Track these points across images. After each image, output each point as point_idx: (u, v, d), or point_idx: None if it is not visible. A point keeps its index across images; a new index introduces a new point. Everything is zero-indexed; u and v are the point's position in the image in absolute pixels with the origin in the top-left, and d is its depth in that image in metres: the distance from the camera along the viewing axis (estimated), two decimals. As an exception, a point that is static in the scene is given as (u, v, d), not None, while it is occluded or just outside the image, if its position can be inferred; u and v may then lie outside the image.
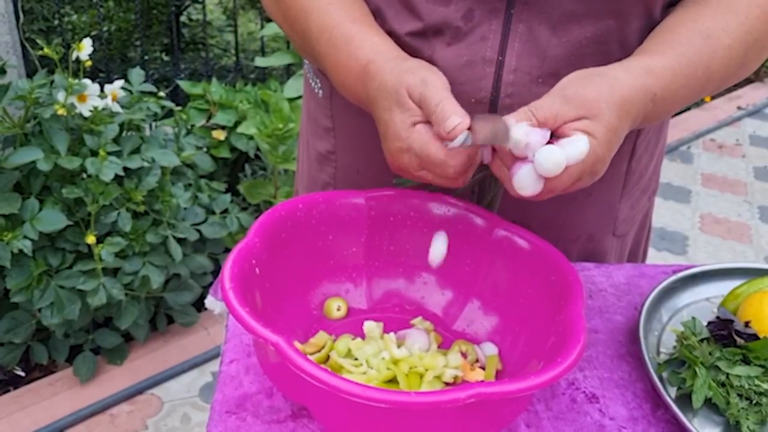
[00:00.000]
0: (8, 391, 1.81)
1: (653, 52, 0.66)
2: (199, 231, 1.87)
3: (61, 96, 1.57)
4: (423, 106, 0.61)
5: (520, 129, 0.59)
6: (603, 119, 0.60)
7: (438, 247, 0.73)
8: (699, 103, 3.69)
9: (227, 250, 2.05)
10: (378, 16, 0.74)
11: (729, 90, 3.91)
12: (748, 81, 4.00)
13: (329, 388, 0.50)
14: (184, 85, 2.31)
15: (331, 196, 0.72)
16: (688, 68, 0.65)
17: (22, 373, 1.86)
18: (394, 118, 0.63)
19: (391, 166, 0.66)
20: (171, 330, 2.01)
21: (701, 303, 0.78)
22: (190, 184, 1.94)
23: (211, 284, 1.98)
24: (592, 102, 0.60)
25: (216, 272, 2.00)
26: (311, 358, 0.58)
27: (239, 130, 2.10)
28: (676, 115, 3.57)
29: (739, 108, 3.73)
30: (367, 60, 0.66)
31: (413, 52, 0.71)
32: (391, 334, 0.68)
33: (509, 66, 0.70)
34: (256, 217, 2.37)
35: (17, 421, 1.72)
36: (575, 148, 0.58)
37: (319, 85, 0.85)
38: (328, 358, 0.66)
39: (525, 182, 0.60)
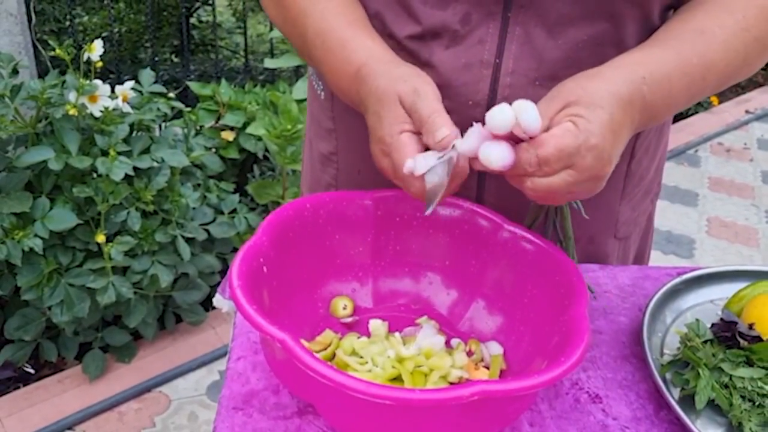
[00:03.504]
0: (18, 388, 1.82)
1: (639, 47, 0.67)
2: (207, 231, 1.88)
3: (72, 96, 1.59)
4: (414, 115, 0.62)
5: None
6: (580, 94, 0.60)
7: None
8: (707, 107, 3.68)
9: (235, 250, 2.07)
10: (378, 19, 0.74)
11: (737, 94, 3.90)
12: (756, 85, 3.99)
13: (334, 385, 0.50)
14: (194, 86, 2.33)
15: (338, 196, 0.73)
16: (677, 55, 0.65)
17: (32, 371, 1.87)
18: (383, 122, 0.63)
19: (376, 165, 0.66)
20: (179, 328, 2.02)
21: (705, 305, 0.78)
22: (199, 185, 1.96)
23: (219, 283, 1.99)
24: (563, 88, 0.61)
25: (224, 272, 2.01)
26: (317, 355, 0.59)
27: (248, 131, 2.12)
28: (684, 117, 3.56)
29: (747, 112, 3.72)
30: (360, 64, 0.67)
31: (412, 55, 0.72)
32: (397, 334, 0.68)
33: (506, 69, 0.71)
34: (264, 218, 2.38)
35: (26, 418, 1.74)
36: (516, 101, 0.58)
37: (321, 87, 0.86)
38: (333, 356, 0.67)
39: (483, 151, 0.59)
